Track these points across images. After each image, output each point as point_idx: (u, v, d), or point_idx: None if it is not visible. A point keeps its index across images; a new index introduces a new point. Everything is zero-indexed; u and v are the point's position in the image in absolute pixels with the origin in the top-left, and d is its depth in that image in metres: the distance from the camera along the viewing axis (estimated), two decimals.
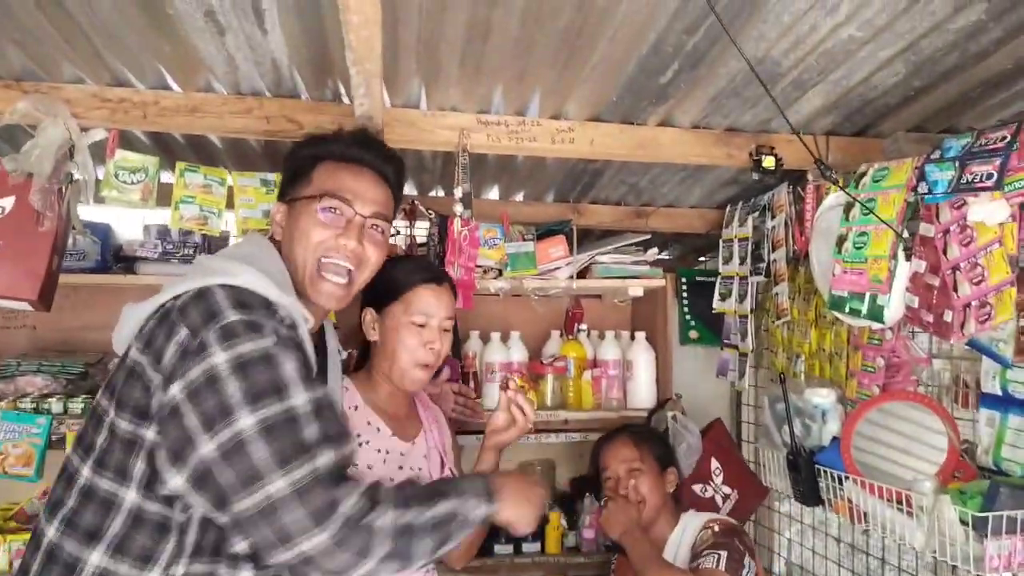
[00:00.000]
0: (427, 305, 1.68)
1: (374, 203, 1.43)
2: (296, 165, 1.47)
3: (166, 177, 2.05)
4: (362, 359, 1.82)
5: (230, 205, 2.02)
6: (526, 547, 2.63)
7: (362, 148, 1.48)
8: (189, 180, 1.96)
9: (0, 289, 1.72)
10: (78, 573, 1.13)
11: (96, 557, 1.13)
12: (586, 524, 2.67)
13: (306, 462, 1.09)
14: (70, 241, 2.03)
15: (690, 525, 2.09)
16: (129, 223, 2.53)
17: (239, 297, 1.17)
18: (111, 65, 1.75)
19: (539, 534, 2.66)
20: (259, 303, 1.18)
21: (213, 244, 2.38)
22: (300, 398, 1.13)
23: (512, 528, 1.38)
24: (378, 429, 1.66)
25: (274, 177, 2.06)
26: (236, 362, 1.10)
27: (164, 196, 1.96)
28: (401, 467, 1.66)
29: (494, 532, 2.61)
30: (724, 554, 1.89)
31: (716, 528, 2.01)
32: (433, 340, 1.67)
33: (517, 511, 1.35)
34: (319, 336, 1.49)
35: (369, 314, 1.72)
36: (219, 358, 1.10)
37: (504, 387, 1.72)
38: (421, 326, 1.67)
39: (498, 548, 2.59)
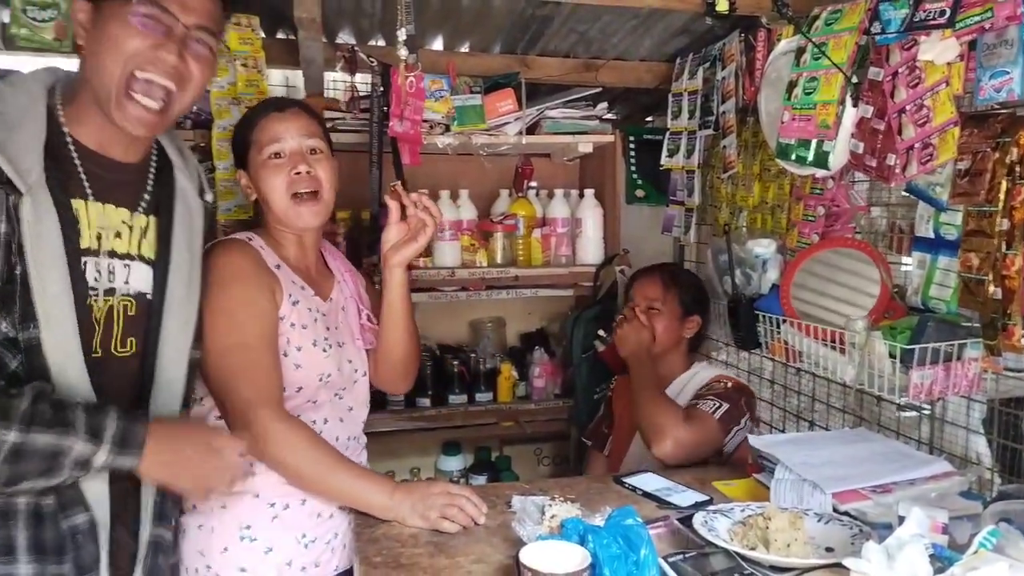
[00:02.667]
0: (273, 133, 1.54)
1: (199, 12, 1.20)
2: None
3: None
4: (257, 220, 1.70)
5: None
6: (479, 396, 2.73)
7: None
8: None
9: None
10: None
11: None
12: (535, 375, 2.77)
13: None
14: None
15: (701, 373, 2.13)
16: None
17: None
18: None
19: (491, 384, 2.75)
20: None
21: None
22: None
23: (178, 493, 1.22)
24: (302, 287, 1.59)
25: None
26: None
27: None
28: (328, 326, 1.60)
29: (447, 381, 2.71)
30: (725, 406, 1.91)
31: (728, 384, 2.03)
32: (296, 164, 1.53)
33: (164, 473, 1.16)
34: (160, 175, 1.33)
35: (242, 176, 1.62)
36: None
37: (392, 194, 1.57)
38: (277, 156, 1.54)
39: (452, 398, 2.69)
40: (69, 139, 1.20)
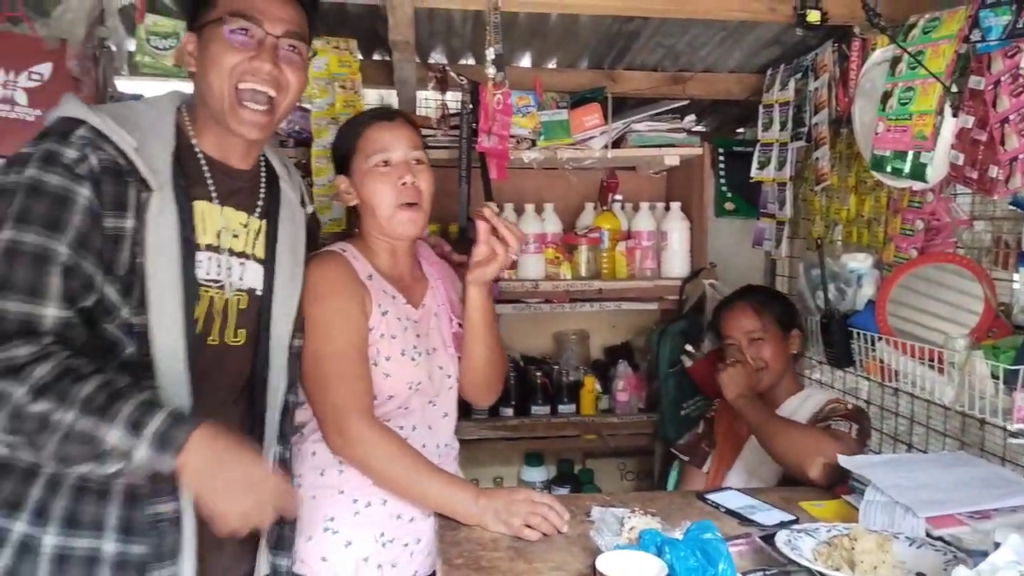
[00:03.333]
0: (381, 143, 1.59)
1: (285, 21, 1.31)
2: None
3: None
4: (350, 230, 1.77)
5: None
6: (562, 408, 2.74)
7: None
8: None
9: None
10: None
11: None
12: (619, 388, 2.76)
13: None
14: None
15: (813, 397, 2.08)
16: None
17: (48, 128, 1.19)
18: None
19: (574, 397, 2.76)
20: (59, 130, 1.17)
21: None
22: (4, 234, 1.10)
23: (212, 519, 1.14)
24: (393, 297, 1.63)
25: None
26: None
27: None
28: (419, 335, 1.64)
29: (530, 392, 2.74)
30: (856, 426, 1.86)
31: (848, 406, 1.98)
32: (403, 175, 1.58)
33: (197, 483, 1.12)
34: (270, 184, 1.45)
35: (342, 182, 1.66)
36: None
37: (480, 216, 1.60)
38: (385, 165, 1.59)
39: (535, 409, 2.71)
40: (198, 150, 1.33)
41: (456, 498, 1.49)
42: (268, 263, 1.41)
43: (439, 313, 1.73)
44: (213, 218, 1.31)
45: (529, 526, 1.44)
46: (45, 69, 1.77)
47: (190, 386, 1.24)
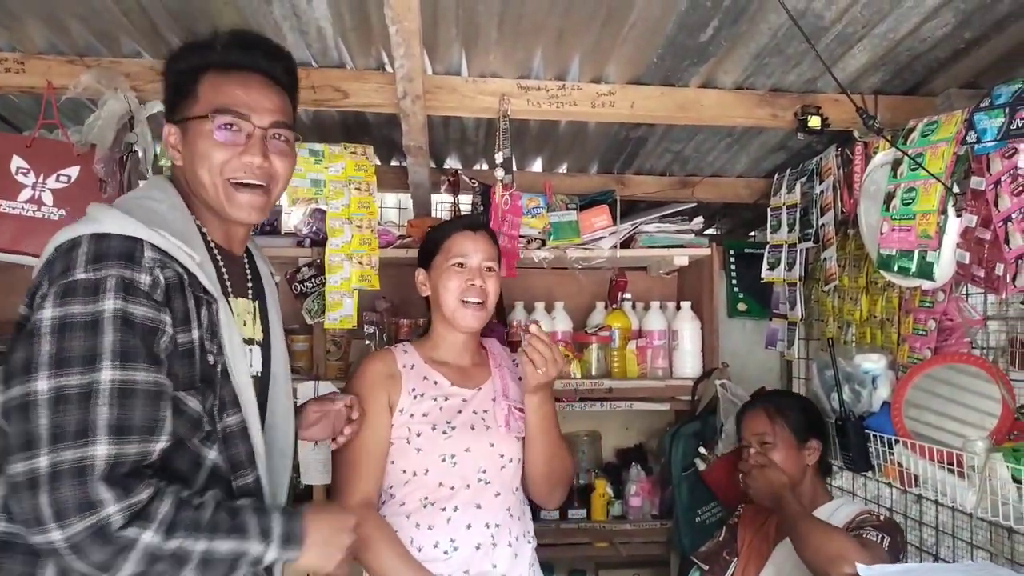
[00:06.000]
0: (462, 247, 1.76)
1: (271, 111, 1.28)
2: (177, 80, 1.30)
3: None
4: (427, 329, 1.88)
5: None
6: (572, 514, 2.65)
7: (245, 51, 1.31)
8: None
9: None
10: None
11: None
12: (632, 492, 2.68)
13: (80, 447, 1.02)
14: None
15: (844, 508, 2.00)
16: None
17: (100, 249, 1.10)
18: (166, 38, 1.82)
19: (585, 501, 2.67)
20: (121, 252, 1.11)
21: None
22: (108, 374, 1.05)
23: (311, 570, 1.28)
24: (435, 382, 1.74)
25: (322, 148, 2.11)
26: (59, 322, 1.06)
27: None
28: (460, 411, 1.71)
29: None
30: (888, 539, 1.79)
31: (881, 518, 1.91)
32: (473, 277, 1.74)
33: (318, 557, 1.23)
34: (250, 261, 1.44)
35: (420, 274, 1.82)
36: (46, 314, 1.06)
37: (525, 330, 1.70)
38: (460, 266, 1.74)
39: (544, 514, 2.62)
40: (212, 243, 1.31)
41: None
42: (265, 344, 1.39)
43: (497, 398, 1.79)
44: (237, 311, 1.31)
45: None
46: (72, 171, 1.85)
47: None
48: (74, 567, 1.04)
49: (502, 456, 1.73)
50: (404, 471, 1.66)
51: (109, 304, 1.07)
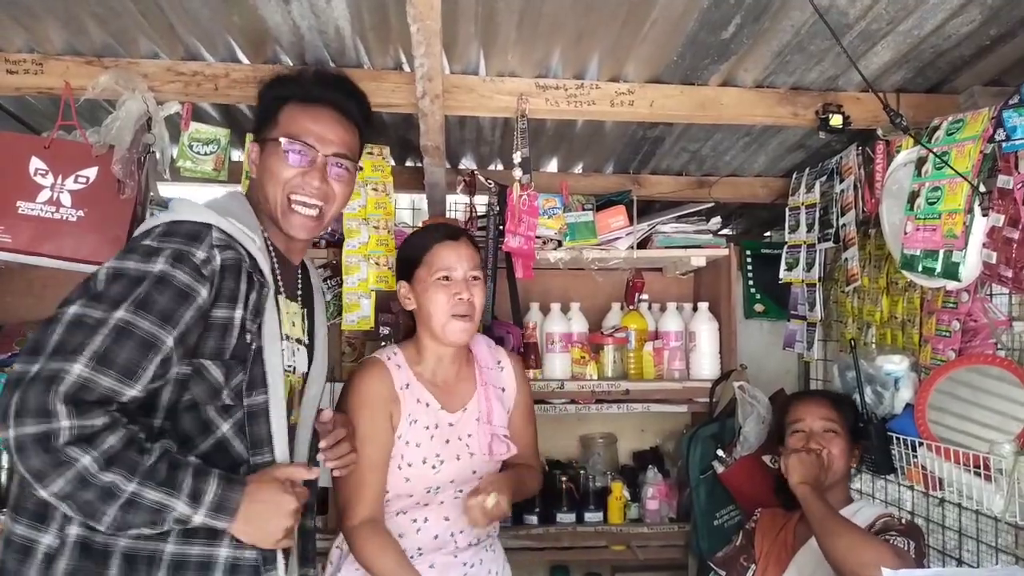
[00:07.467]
0: (447, 260, 1.75)
1: (335, 143, 1.49)
2: (264, 106, 1.54)
3: (236, 155, 2.13)
4: (409, 333, 1.89)
5: None
6: (588, 516, 2.63)
7: (323, 87, 1.54)
8: None
9: (85, 253, 1.82)
10: None
11: None
12: (649, 495, 2.66)
13: (63, 361, 1.12)
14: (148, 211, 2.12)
15: (864, 511, 1.96)
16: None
17: (171, 229, 1.27)
18: (184, 39, 1.82)
19: (601, 504, 2.65)
20: (189, 232, 1.27)
21: None
22: (120, 313, 1.16)
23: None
24: (427, 404, 1.75)
25: None
26: (112, 271, 1.21)
27: (234, 173, 2.03)
28: (448, 440, 1.75)
29: (556, 498, 2.64)
30: (912, 544, 1.76)
31: (903, 521, 1.88)
32: (460, 291, 1.73)
33: (254, 532, 1.26)
34: (303, 273, 1.60)
35: (403, 287, 1.80)
36: (107, 264, 1.23)
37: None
38: (446, 279, 1.74)
39: (560, 516, 2.61)
40: (272, 246, 1.48)
41: None
42: (311, 346, 1.56)
43: (481, 419, 1.81)
44: (284, 309, 1.45)
45: None
46: (91, 172, 1.85)
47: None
48: (17, 470, 1.14)
49: (481, 479, 1.78)
50: (388, 490, 1.71)
51: (158, 267, 1.21)
